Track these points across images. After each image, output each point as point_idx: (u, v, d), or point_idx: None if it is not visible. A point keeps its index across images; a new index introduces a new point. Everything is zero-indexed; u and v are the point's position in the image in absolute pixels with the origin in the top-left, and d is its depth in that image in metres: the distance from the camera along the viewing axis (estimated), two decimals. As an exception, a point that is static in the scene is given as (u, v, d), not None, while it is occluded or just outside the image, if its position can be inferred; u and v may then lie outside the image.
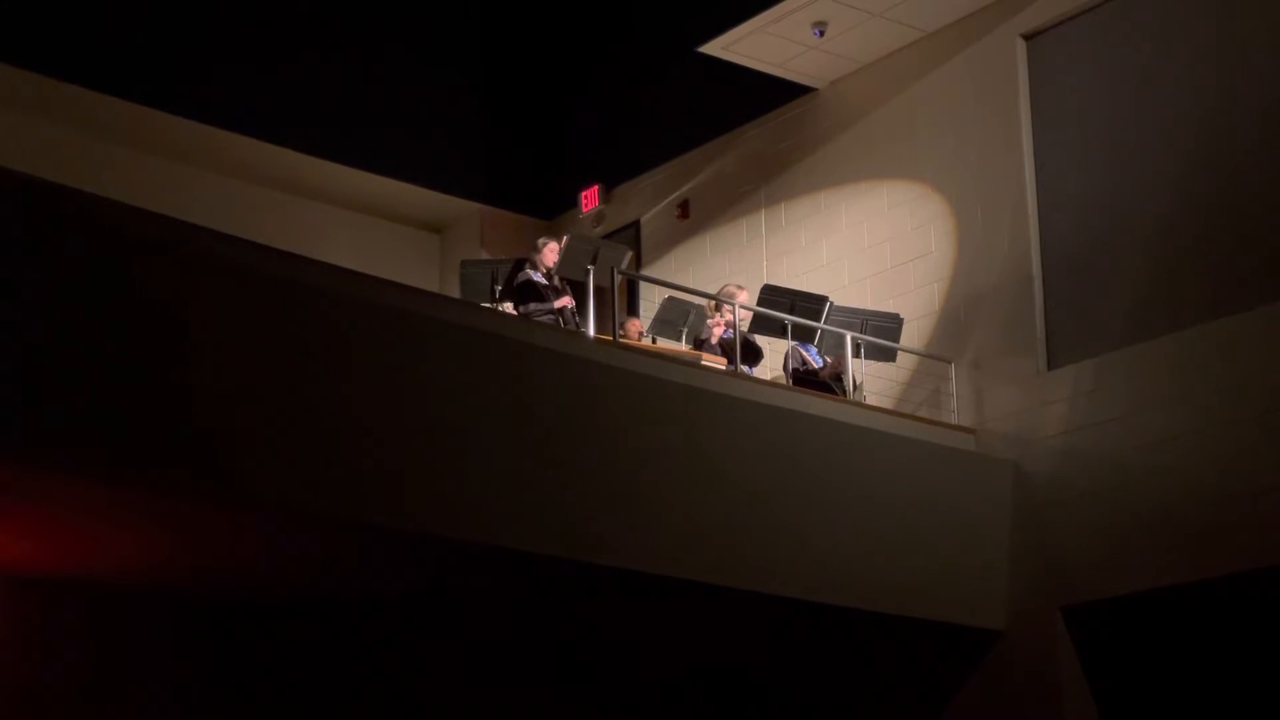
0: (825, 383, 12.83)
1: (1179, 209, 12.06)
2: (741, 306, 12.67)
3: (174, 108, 14.49)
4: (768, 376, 13.34)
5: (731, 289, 13.02)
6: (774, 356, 13.60)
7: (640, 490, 10.50)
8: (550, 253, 12.36)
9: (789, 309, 12.65)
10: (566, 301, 12.31)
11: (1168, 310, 11.91)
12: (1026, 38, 13.18)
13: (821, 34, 13.78)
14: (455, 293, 13.09)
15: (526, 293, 12.37)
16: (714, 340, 12.93)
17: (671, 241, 15.75)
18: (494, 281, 12.47)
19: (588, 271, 11.80)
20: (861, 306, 13.20)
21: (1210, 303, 11.67)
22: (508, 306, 12.27)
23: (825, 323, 12.62)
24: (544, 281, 12.38)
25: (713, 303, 13.06)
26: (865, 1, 13.36)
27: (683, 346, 12.85)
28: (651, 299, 14.44)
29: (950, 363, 13.01)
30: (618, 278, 11.98)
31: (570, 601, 11.18)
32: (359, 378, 9.44)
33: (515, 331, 10.64)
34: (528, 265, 12.54)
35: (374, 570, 10.47)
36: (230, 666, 10.91)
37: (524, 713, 12.04)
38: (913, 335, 13.23)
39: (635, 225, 16.08)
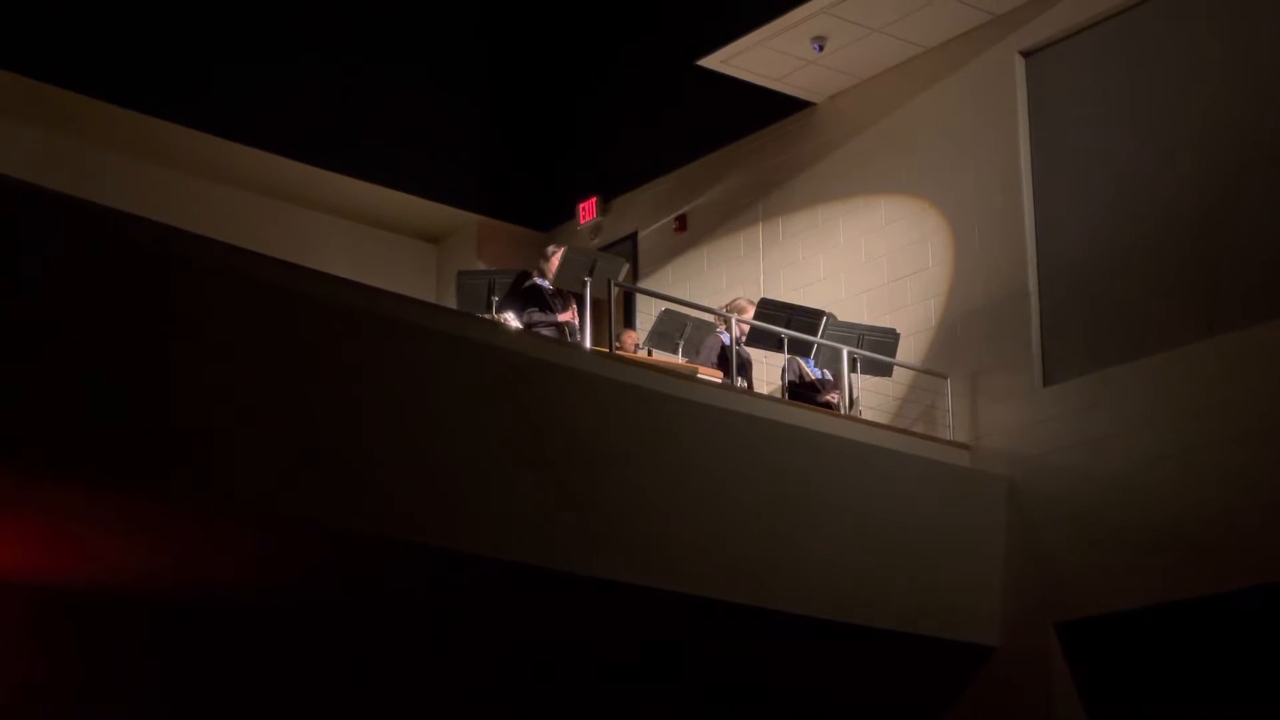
0: (819, 391, 12.84)
1: (1175, 226, 12.08)
2: (746, 321, 12.70)
3: (172, 116, 14.50)
4: (764, 389, 13.35)
5: (742, 303, 13.03)
6: (772, 370, 13.60)
7: (634, 503, 10.48)
8: (559, 260, 12.28)
9: (786, 323, 12.66)
10: (569, 317, 12.28)
11: (1164, 327, 11.92)
12: (1025, 55, 13.20)
13: (821, 49, 13.80)
14: (451, 303, 13.08)
15: (532, 298, 12.33)
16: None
17: (669, 254, 15.76)
18: (490, 292, 12.45)
19: (584, 283, 11.80)
20: (858, 321, 13.21)
21: (1206, 320, 11.69)
22: (508, 316, 12.25)
23: (822, 337, 12.63)
24: (550, 289, 12.35)
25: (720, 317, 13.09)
26: (865, 17, 13.39)
27: (679, 359, 12.85)
28: (648, 311, 14.44)
29: (946, 378, 13.02)
30: (614, 290, 11.98)
31: (563, 612, 11.17)
32: (354, 387, 9.43)
33: (511, 342, 10.64)
34: (535, 274, 12.52)
35: (366, 578, 10.46)
36: (219, 672, 10.88)
37: (516, 723, 12.04)
38: (909, 350, 13.24)
39: (633, 237, 16.09)
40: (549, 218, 16.80)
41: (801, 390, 12.87)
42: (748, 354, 13.16)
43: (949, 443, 12.70)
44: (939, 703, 12.42)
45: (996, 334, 12.85)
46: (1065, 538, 11.94)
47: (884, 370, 13.00)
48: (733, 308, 12.95)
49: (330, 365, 9.38)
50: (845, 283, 14.08)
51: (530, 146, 16.90)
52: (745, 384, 12.86)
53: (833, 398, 12.74)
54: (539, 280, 12.43)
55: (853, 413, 12.58)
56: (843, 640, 11.62)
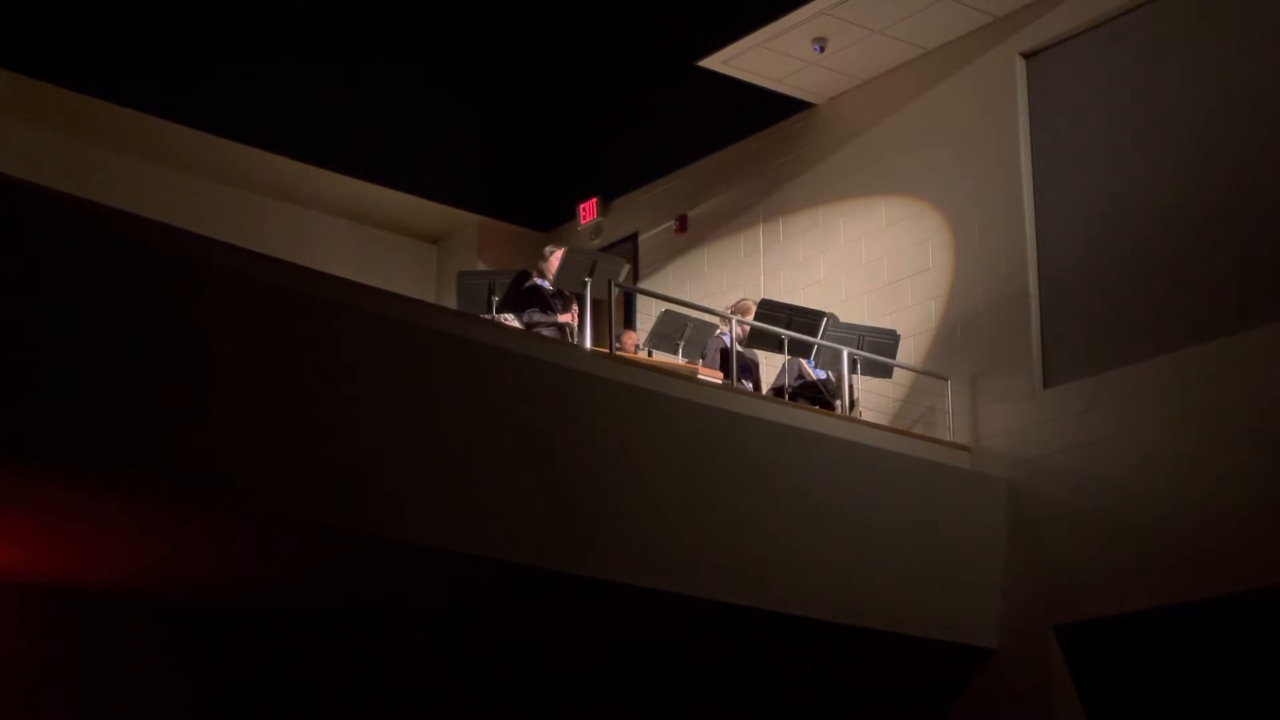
0: (822, 392, 12.85)
1: (1175, 228, 12.08)
2: (747, 322, 12.71)
3: (173, 115, 14.49)
4: (765, 390, 13.36)
5: (747, 304, 13.05)
6: (772, 371, 13.59)
7: (635, 504, 10.48)
8: (557, 260, 12.28)
9: (786, 324, 12.66)
10: (569, 318, 12.28)
11: (1164, 330, 11.92)
12: (1026, 56, 13.20)
13: (822, 50, 13.80)
14: (452, 303, 13.08)
15: (532, 298, 12.33)
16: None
17: (669, 255, 15.76)
18: (491, 292, 12.45)
19: (585, 284, 11.79)
20: (858, 322, 13.20)
21: (1205, 324, 11.68)
22: (508, 318, 12.26)
23: (822, 338, 12.63)
24: (551, 289, 12.34)
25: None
26: (866, 18, 13.38)
27: (679, 360, 12.85)
28: (649, 312, 14.44)
29: (946, 380, 13.01)
30: (614, 291, 11.97)
31: (564, 613, 11.17)
32: (354, 387, 9.43)
33: (511, 343, 10.63)
34: (535, 274, 12.51)
35: (368, 579, 10.45)
36: (218, 672, 10.89)
37: (516, 724, 12.04)
38: (909, 352, 13.23)
39: (633, 238, 16.09)
40: (549, 218, 16.80)
41: (803, 391, 12.87)
42: (755, 356, 13.16)
43: (949, 444, 12.69)
44: (938, 705, 12.41)
45: (997, 336, 12.85)
46: (1065, 540, 11.94)
47: (884, 372, 12.99)
48: (738, 309, 12.97)
49: (330, 365, 9.38)
50: (846, 284, 14.08)
51: (530, 146, 16.90)
52: (751, 386, 12.87)
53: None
54: (539, 281, 12.43)
55: (853, 414, 12.58)
56: (841, 642, 11.62)
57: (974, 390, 12.87)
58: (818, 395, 12.84)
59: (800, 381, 12.98)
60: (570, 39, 16.99)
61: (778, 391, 12.96)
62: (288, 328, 9.24)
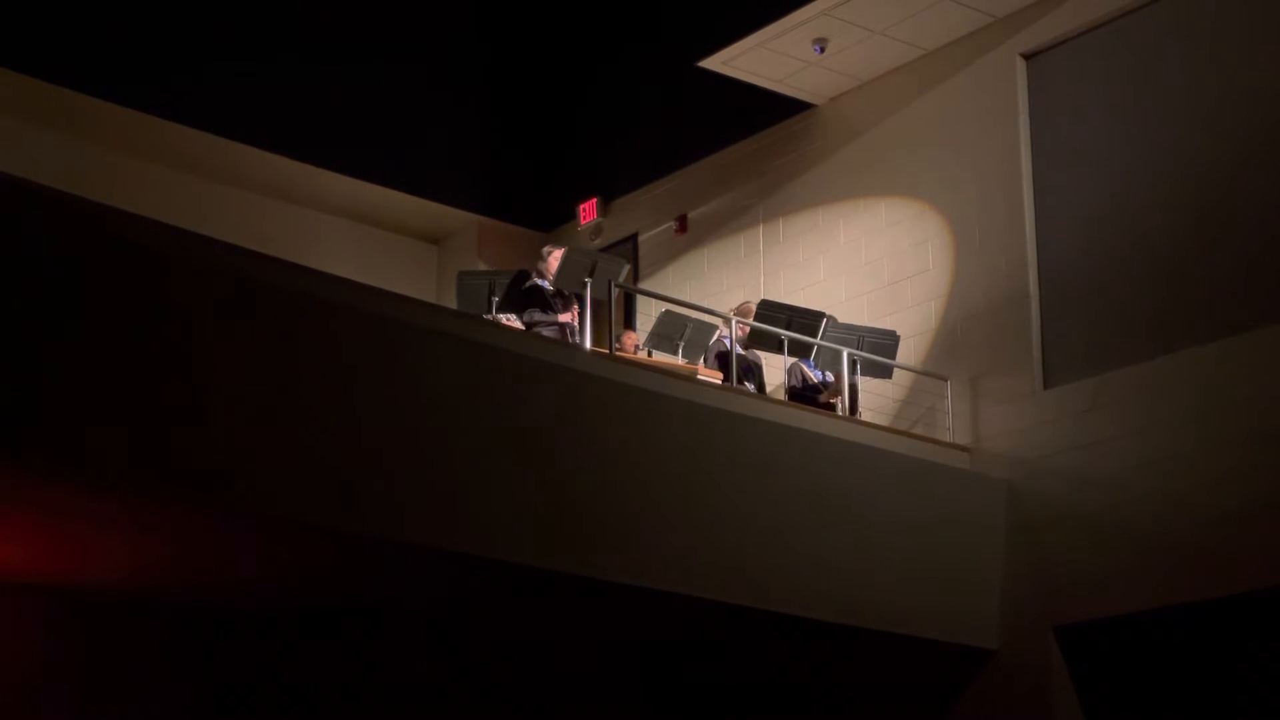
0: (821, 392, 12.86)
1: (1175, 229, 12.08)
2: (746, 323, 12.71)
3: (173, 114, 14.49)
4: (769, 391, 13.35)
5: (750, 306, 13.06)
6: (773, 372, 13.60)
7: (634, 504, 10.48)
8: (556, 261, 12.29)
9: (786, 324, 12.66)
10: (570, 318, 12.29)
11: (1164, 330, 11.92)
12: (1026, 57, 13.20)
13: (822, 50, 13.80)
14: (452, 303, 13.08)
15: (532, 298, 12.33)
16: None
17: (669, 255, 15.75)
18: (491, 293, 12.46)
19: (585, 284, 11.80)
20: (858, 323, 13.20)
21: (1205, 325, 11.68)
22: (508, 318, 12.25)
23: (822, 339, 12.63)
24: (551, 289, 12.35)
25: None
26: (866, 19, 13.38)
27: (679, 361, 12.85)
28: (649, 313, 14.44)
29: (946, 380, 13.01)
30: (614, 291, 11.97)
31: (564, 613, 11.16)
32: (355, 387, 9.43)
33: (511, 343, 10.63)
34: (534, 274, 12.52)
35: (368, 579, 10.45)
36: (218, 673, 10.88)
37: (515, 725, 12.04)
38: (909, 352, 13.23)
39: (633, 238, 16.08)
40: (549, 218, 16.80)
41: (804, 394, 12.87)
42: (758, 358, 13.16)
43: (949, 445, 12.69)
44: (938, 706, 12.40)
45: (997, 336, 12.84)
46: (1065, 541, 11.93)
47: (884, 372, 13.00)
48: (741, 311, 12.98)
49: (330, 365, 9.38)
50: (846, 284, 14.08)
51: (530, 146, 16.90)
52: (754, 388, 12.87)
53: (832, 399, 12.75)
54: (539, 281, 12.44)
55: (853, 415, 12.58)
56: (841, 643, 11.61)
57: (974, 391, 12.87)
58: (817, 395, 12.85)
59: (803, 384, 13.00)
60: (570, 39, 16.99)
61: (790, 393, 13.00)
62: (288, 328, 9.24)
